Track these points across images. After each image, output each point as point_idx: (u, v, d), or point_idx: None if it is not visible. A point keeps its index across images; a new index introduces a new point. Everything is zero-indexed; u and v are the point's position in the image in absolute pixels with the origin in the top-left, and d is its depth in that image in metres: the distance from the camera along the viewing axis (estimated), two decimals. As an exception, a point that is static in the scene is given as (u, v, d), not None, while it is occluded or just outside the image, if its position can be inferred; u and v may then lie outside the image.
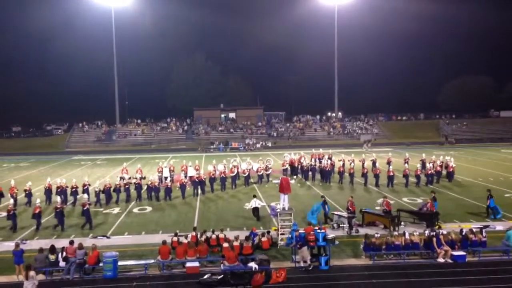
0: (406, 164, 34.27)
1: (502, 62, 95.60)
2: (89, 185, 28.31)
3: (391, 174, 31.35)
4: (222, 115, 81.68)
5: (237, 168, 33.85)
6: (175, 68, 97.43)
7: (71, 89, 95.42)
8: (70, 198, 27.73)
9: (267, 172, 34.67)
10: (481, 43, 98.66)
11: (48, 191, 27.81)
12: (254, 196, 24.31)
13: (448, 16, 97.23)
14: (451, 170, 33.44)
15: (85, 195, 25.64)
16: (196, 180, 30.05)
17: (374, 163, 34.26)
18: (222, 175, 32.40)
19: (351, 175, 32.73)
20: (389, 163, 35.47)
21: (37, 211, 21.99)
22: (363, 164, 36.05)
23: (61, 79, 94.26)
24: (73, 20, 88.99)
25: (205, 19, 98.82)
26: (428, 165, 33.09)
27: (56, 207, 22.13)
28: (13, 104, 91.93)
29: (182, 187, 29.33)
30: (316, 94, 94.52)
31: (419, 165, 33.81)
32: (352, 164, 34.54)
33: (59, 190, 27.10)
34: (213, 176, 31.46)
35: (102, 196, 27.80)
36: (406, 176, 31.44)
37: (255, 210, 23.41)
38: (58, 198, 23.52)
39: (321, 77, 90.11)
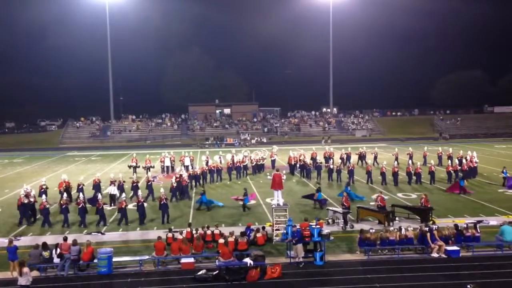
0: (395, 162, 34.71)
1: (496, 57, 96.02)
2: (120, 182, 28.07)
3: (383, 171, 30.86)
4: (217, 111, 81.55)
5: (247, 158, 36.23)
6: (170, 63, 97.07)
7: (65, 85, 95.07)
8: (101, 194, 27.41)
9: (262, 162, 37.23)
10: (475, 38, 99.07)
11: (96, 186, 27.57)
12: (111, 183, 26.27)
13: (442, 12, 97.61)
14: (474, 166, 32.83)
15: (121, 193, 25.88)
16: (212, 168, 32.76)
17: (359, 156, 36.80)
18: (238, 164, 34.60)
19: (338, 171, 32.24)
20: (375, 158, 37.89)
21: (123, 206, 22.07)
22: (347, 158, 36.60)
23: (55, 75, 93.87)
24: (67, 14, 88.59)
25: (200, 14, 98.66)
26: (464, 161, 32.86)
27: (139, 201, 22.36)
28: (7, 99, 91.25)
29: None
30: (311, 90, 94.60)
31: (410, 162, 33.88)
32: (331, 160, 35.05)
33: (118, 185, 27.16)
34: (213, 168, 33.19)
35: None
36: (395, 173, 30.71)
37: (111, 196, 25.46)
38: (139, 192, 23.67)
39: (316, 73, 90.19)
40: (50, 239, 19.14)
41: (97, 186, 27.46)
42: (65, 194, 24.26)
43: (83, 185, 26.66)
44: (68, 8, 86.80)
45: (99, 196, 23.91)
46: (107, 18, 72.96)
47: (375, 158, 38.43)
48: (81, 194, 23.53)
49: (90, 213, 22.60)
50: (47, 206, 22.41)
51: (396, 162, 35.56)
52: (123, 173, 32.09)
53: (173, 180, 27.41)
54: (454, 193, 27.44)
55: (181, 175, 28.18)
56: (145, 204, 23.46)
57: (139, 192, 23.65)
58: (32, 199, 23.09)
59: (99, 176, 28.93)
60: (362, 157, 38.68)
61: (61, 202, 22.43)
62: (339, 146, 51.02)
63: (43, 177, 29.98)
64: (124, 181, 28.08)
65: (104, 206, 22.86)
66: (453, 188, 28.02)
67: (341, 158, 36.82)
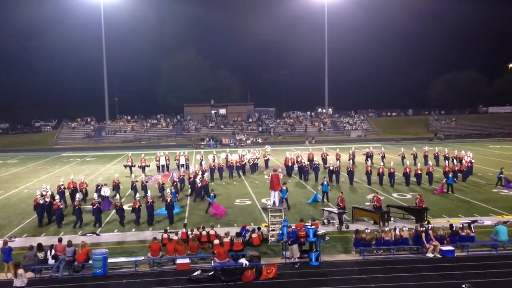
0: (390, 163, 34.84)
1: (491, 58, 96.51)
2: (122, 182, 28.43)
3: (381, 172, 30.68)
4: (213, 111, 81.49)
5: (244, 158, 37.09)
6: (165, 64, 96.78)
7: (60, 85, 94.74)
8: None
9: (256, 162, 37.77)
10: (470, 39, 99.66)
11: (116, 187, 27.56)
12: (105, 185, 26.14)
13: (438, 13, 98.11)
14: (469, 165, 32.70)
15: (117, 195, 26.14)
16: (213, 167, 33.53)
17: (366, 156, 36.04)
18: (238, 164, 35.51)
19: (337, 172, 32.03)
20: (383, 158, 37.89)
21: (136, 206, 22.03)
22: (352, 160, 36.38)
23: (49, 75, 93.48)
24: (62, 15, 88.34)
25: (196, 14, 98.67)
26: (463, 161, 32.81)
27: (147, 201, 22.28)
28: (1, 100, 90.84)
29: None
30: (307, 90, 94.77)
31: (408, 162, 33.91)
32: (338, 161, 35.11)
33: (143, 185, 27.31)
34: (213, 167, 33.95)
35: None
36: (392, 174, 30.64)
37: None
38: (149, 192, 23.64)
39: (311, 73, 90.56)
40: (43, 239, 19.05)
41: (116, 187, 27.59)
42: (77, 195, 24.22)
43: (101, 185, 26.61)
44: (63, 8, 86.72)
45: (117, 196, 24.07)
46: (102, 18, 72.92)
47: (383, 158, 38.29)
48: (95, 195, 23.52)
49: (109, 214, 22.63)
50: (61, 206, 22.40)
51: (402, 162, 35.93)
52: (119, 173, 32.02)
53: (198, 180, 27.23)
54: (443, 193, 27.55)
55: (196, 175, 28.10)
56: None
57: (149, 193, 23.63)
58: (48, 199, 22.95)
59: (117, 176, 28.88)
60: (369, 157, 38.51)
61: (75, 203, 22.34)
62: (334, 146, 50.98)
63: (61, 178, 29.43)
64: (147, 182, 28.54)
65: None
66: (441, 189, 28.02)
67: (350, 159, 36.59)
